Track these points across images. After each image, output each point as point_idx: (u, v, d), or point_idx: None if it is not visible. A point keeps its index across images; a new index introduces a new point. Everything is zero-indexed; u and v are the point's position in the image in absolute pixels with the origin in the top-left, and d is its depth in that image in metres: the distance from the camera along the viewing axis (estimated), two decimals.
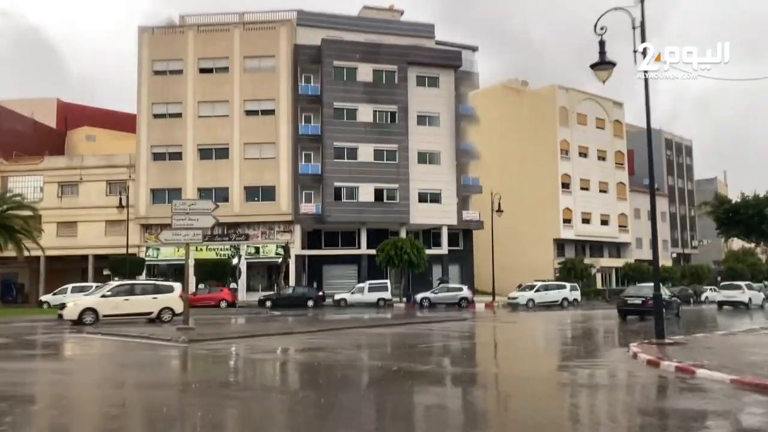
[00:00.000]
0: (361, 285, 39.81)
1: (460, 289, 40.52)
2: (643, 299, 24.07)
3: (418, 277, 45.10)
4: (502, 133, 60.00)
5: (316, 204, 44.76)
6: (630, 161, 66.69)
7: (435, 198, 47.13)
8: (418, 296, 39.58)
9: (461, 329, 21.62)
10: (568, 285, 41.98)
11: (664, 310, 24.28)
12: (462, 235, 51.05)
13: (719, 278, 63.31)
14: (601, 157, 61.82)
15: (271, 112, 44.87)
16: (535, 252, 57.33)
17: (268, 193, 44.43)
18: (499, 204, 44.12)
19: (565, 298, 40.67)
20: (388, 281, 40.02)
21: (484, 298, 45.26)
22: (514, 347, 16.04)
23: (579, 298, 44.99)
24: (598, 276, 57.39)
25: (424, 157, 46.91)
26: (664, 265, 63.16)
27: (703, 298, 52.44)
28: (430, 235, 49.36)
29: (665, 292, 26.89)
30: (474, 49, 51.68)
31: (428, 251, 43.79)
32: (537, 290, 39.60)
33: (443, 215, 47.16)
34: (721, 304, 36.11)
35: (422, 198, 46.67)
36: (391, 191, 45.60)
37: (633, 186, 66.65)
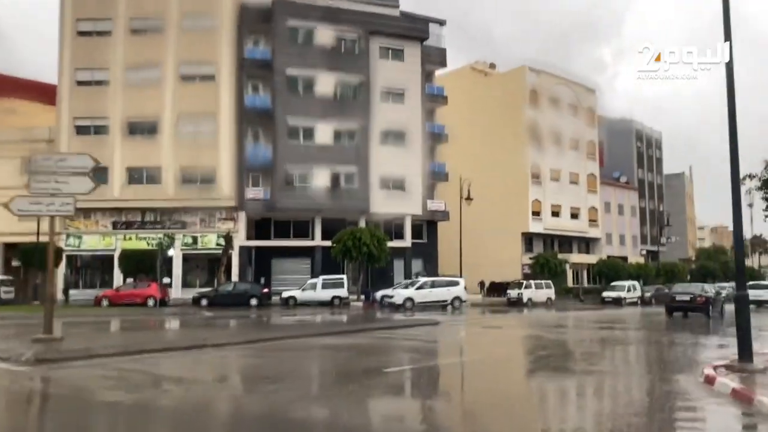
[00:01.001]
0: (313, 281, 34.80)
1: None
2: (692, 296, 25.08)
3: (378, 273, 40.48)
4: (469, 118, 55.80)
5: (264, 189, 39.43)
6: (600, 153, 63.43)
7: (398, 184, 42.42)
8: (378, 294, 34.94)
9: (434, 339, 17.07)
10: (461, 281, 34.64)
11: (711, 309, 24.81)
12: (426, 226, 46.64)
13: (689, 277, 60.81)
14: (573, 146, 58.25)
15: (212, 78, 39.26)
16: (502, 247, 53.43)
17: (208, 175, 38.77)
18: (469, 191, 39.78)
19: (456, 297, 33.38)
20: (344, 276, 35.14)
21: None
22: (519, 373, 11.55)
23: (553, 297, 41.22)
24: (569, 273, 53.88)
25: (388, 138, 42.13)
26: (637, 262, 60.20)
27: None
28: (392, 227, 44.81)
29: (710, 289, 27.60)
30: (441, 23, 47.06)
31: (390, 244, 39.27)
32: (419, 287, 32.95)
33: (407, 204, 42.53)
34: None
35: (384, 184, 41.94)
36: (349, 176, 40.70)
37: (603, 179, 63.46)
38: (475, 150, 54.15)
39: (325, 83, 39.99)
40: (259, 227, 41.35)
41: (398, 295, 32.35)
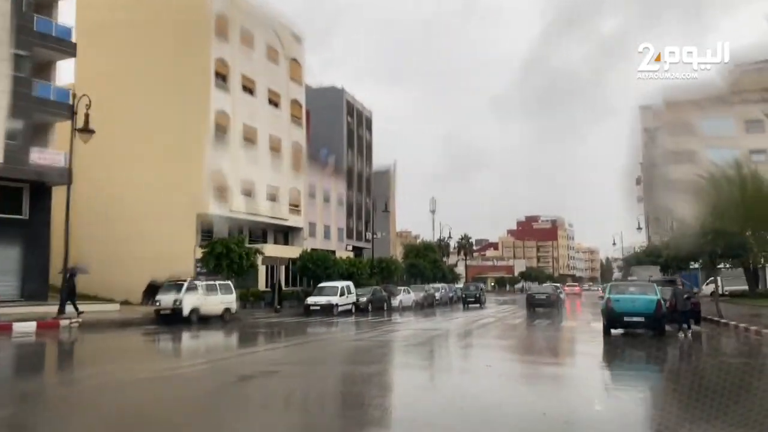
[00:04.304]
0: None
1: None
2: (547, 295, 35.14)
3: None
4: (126, 47, 37.61)
5: None
6: (307, 122, 50.44)
7: None
8: None
9: None
10: None
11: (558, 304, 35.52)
12: (30, 192, 27.53)
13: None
14: (274, 102, 43.81)
15: None
16: (173, 235, 36.14)
17: None
18: (87, 118, 21.84)
19: None
20: None
21: (50, 309, 22.88)
22: None
23: (234, 307, 25.78)
24: (262, 270, 39.21)
25: None
26: (348, 257, 48.38)
27: (396, 302, 38.33)
28: None
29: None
30: None
31: None
32: None
33: None
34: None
35: None
36: None
37: (309, 158, 50.48)
38: (132, 91, 36.15)
39: None
40: None
41: None
